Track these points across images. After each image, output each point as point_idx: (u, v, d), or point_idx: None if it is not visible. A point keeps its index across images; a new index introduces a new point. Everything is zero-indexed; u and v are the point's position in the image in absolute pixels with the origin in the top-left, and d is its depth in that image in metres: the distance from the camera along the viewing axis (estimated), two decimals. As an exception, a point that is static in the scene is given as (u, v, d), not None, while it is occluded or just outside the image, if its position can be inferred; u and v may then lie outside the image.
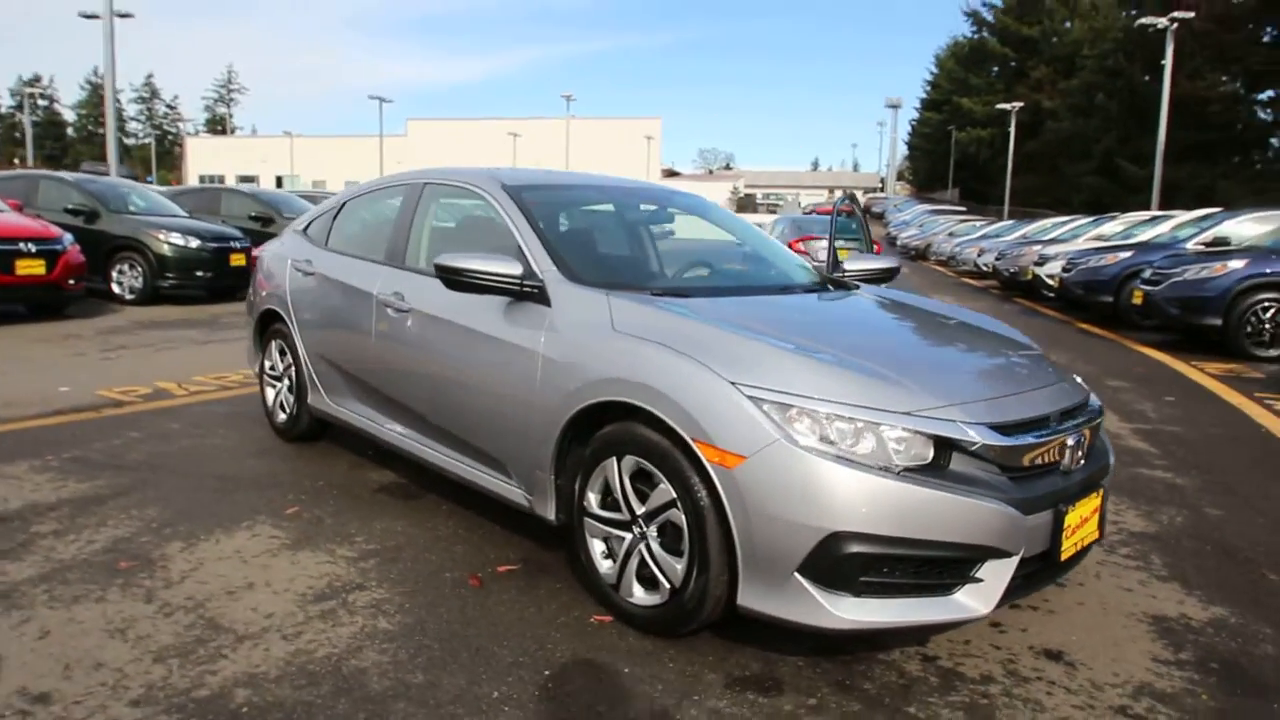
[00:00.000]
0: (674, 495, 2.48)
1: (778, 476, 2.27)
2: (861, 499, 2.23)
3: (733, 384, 2.39)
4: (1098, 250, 12.23)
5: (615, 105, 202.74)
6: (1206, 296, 8.85)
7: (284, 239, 4.84)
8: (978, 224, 26.06)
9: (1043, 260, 14.28)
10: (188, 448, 4.40)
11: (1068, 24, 42.77)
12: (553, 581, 2.98)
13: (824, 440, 2.29)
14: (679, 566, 2.50)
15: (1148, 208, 22.26)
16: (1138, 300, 10.01)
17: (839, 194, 18.21)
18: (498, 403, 3.06)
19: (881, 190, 75.95)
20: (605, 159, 55.66)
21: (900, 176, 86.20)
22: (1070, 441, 2.58)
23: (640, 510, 2.61)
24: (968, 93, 48.83)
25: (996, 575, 2.37)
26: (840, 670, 2.46)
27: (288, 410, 4.52)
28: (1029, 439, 2.45)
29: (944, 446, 2.33)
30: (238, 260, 10.50)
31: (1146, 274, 10.13)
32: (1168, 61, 23.09)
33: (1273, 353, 8.49)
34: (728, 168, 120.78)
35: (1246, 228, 11.55)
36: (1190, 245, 11.57)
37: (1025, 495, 2.38)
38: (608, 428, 2.68)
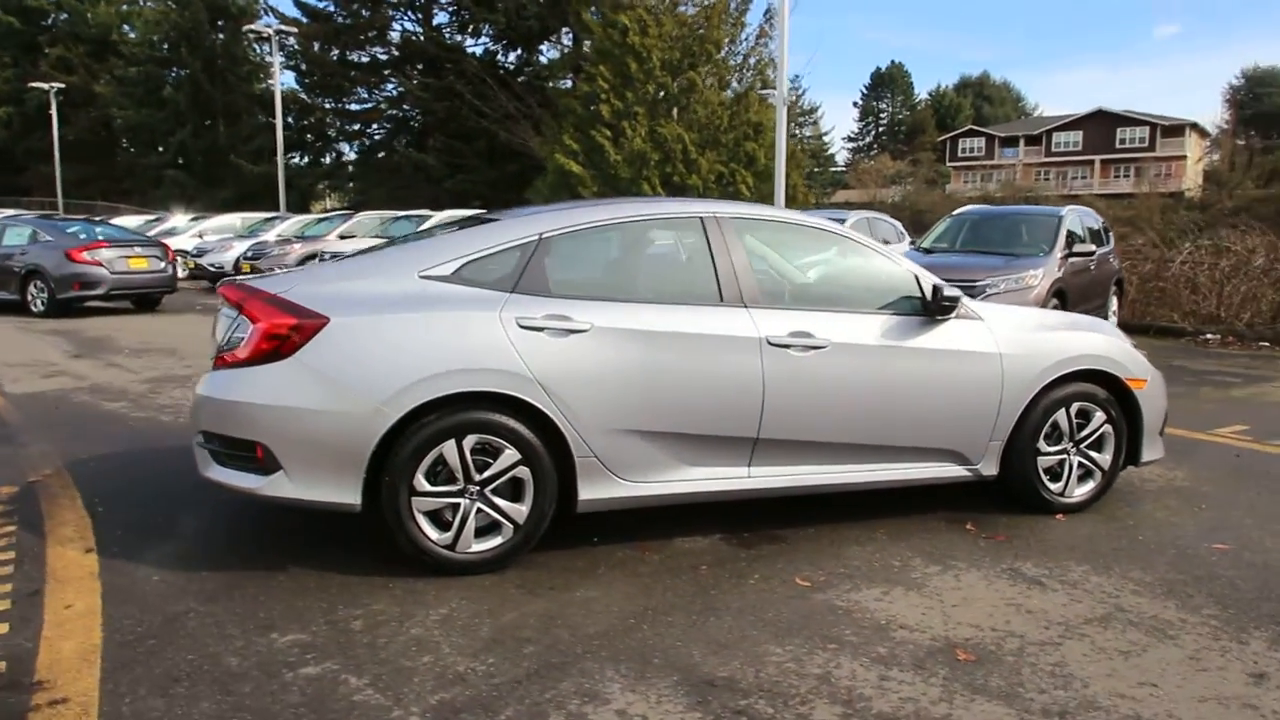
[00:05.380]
0: (1108, 417, 4.08)
1: (1154, 387, 4.22)
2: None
3: (1126, 343, 4.18)
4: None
5: None
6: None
7: (405, 289, 3.27)
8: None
9: (338, 257, 15.32)
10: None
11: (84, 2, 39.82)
12: (1010, 518, 3.98)
13: None
14: (1108, 458, 4.12)
15: (238, 201, 24.79)
16: None
17: None
18: (962, 400, 3.82)
19: None
20: None
21: None
22: None
23: (1077, 436, 4.05)
24: (-38, 62, 40.34)
25: None
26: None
27: (513, 526, 3.28)
28: None
29: None
30: None
31: None
32: (276, 65, 25.33)
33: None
34: None
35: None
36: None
37: None
38: (1056, 391, 3.97)
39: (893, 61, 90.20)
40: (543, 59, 26.83)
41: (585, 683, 2.54)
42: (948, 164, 68.27)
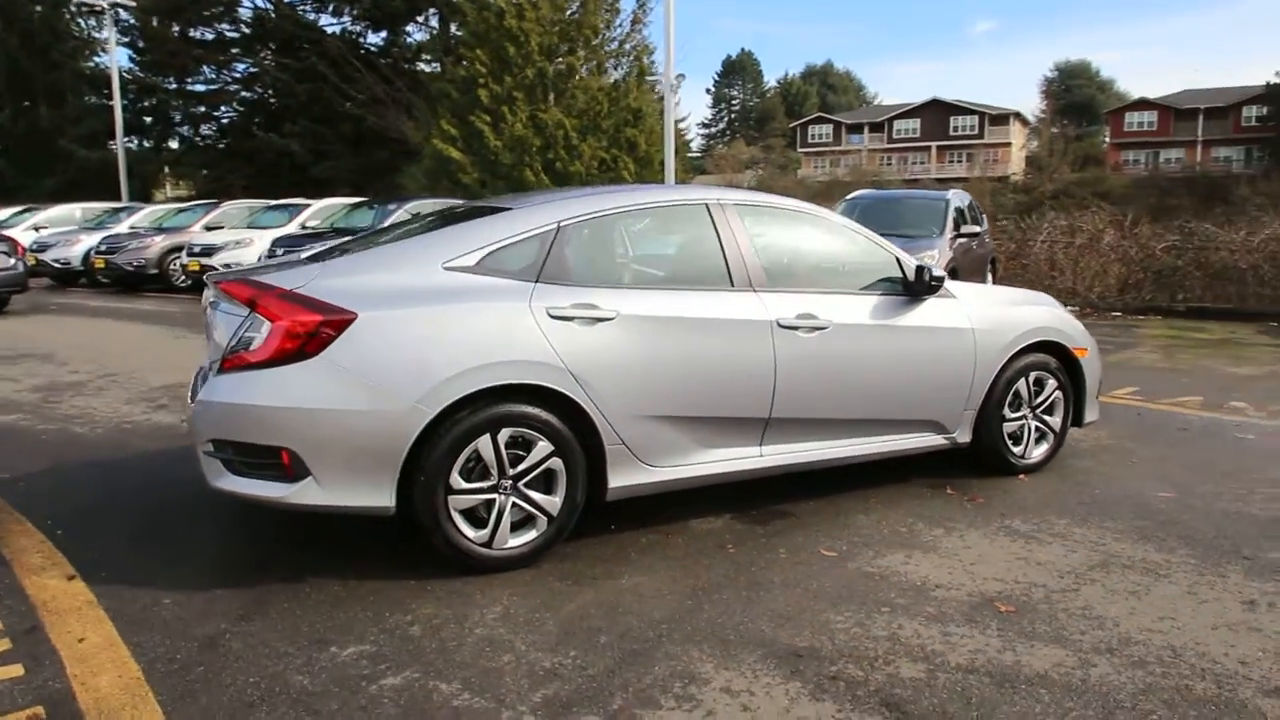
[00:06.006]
0: (1058, 384, 4.48)
1: (1092, 354, 4.65)
2: None
3: (1068, 315, 4.59)
4: (311, 238, 13.37)
5: None
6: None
7: (430, 281, 3.18)
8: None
9: (209, 250, 14.22)
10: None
11: None
12: (974, 477, 4.28)
13: None
14: (1058, 421, 4.52)
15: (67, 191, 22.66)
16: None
17: None
18: (942, 374, 4.09)
19: None
20: None
21: None
22: None
23: (1034, 402, 4.42)
24: None
25: None
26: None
27: (547, 519, 3.25)
28: None
29: None
30: None
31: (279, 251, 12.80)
32: (112, 41, 23.16)
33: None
34: None
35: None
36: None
37: None
38: (1017, 362, 4.31)
39: (743, 49, 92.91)
40: (410, 40, 25.87)
41: (676, 665, 2.58)
42: (799, 149, 71.06)
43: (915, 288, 4.01)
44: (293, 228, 14.64)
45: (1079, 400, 4.62)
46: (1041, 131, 66.12)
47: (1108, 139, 63.25)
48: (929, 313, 4.09)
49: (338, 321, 3.00)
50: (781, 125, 79.42)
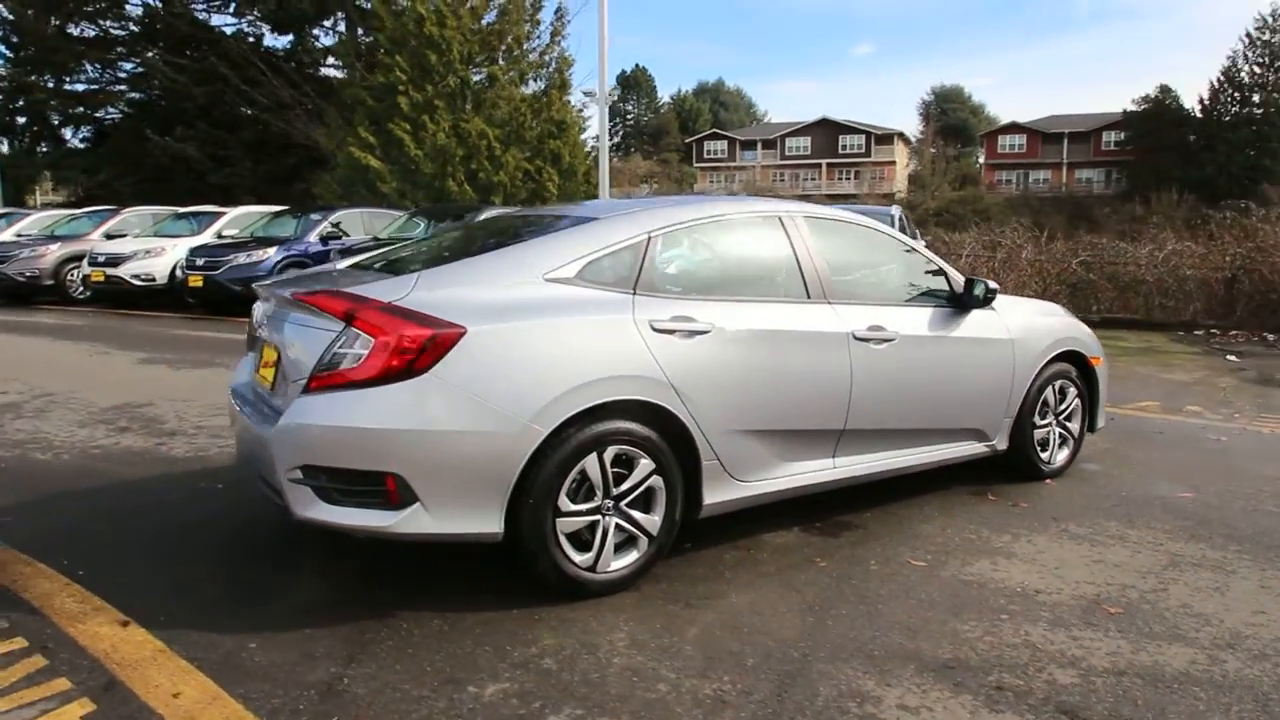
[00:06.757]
0: (1078, 391, 4.68)
1: (1104, 363, 4.88)
2: None
3: (1083, 325, 4.80)
4: (232, 247, 12.55)
5: None
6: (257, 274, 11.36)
7: (533, 293, 3.03)
8: None
9: (115, 260, 13.12)
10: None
11: None
12: (1007, 482, 4.41)
13: None
14: (1077, 427, 4.73)
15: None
16: (197, 283, 12.19)
17: None
18: (989, 383, 4.22)
19: None
20: None
21: None
22: None
23: (1058, 408, 4.60)
24: None
25: None
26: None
27: (648, 539, 3.16)
28: None
29: None
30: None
31: (199, 261, 12.40)
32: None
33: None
34: None
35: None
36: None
37: None
38: (1046, 370, 4.48)
39: (637, 65, 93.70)
40: (317, 44, 24.75)
41: (839, 684, 2.53)
42: (694, 165, 72.29)
43: (968, 300, 4.13)
44: (207, 236, 13.80)
45: (1093, 406, 4.86)
46: (922, 152, 69.67)
47: (982, 160, 67.27)
48: (976, 324, 4.21)
49: (448, 336, 2.81)
50: (676, 140, 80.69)
